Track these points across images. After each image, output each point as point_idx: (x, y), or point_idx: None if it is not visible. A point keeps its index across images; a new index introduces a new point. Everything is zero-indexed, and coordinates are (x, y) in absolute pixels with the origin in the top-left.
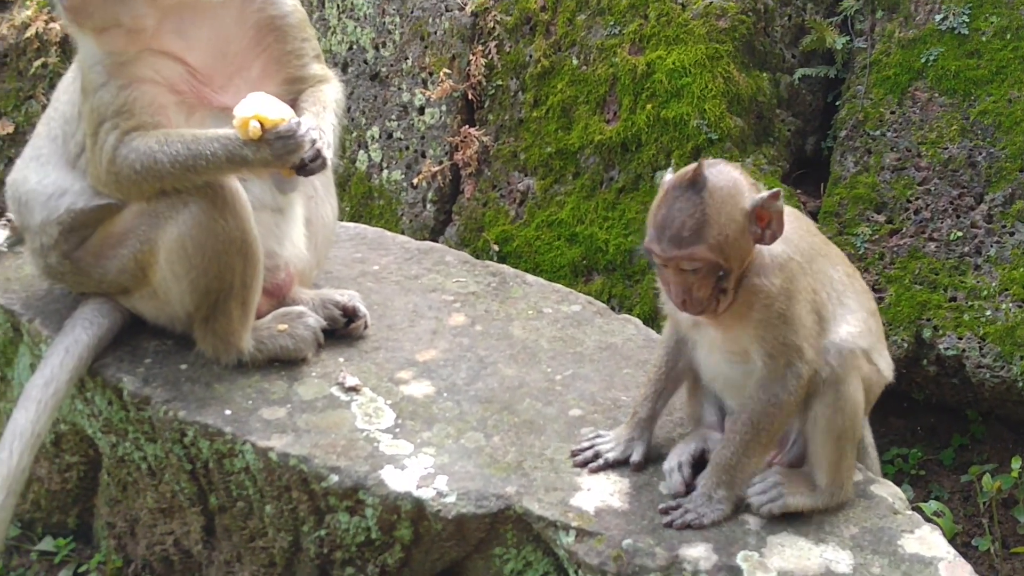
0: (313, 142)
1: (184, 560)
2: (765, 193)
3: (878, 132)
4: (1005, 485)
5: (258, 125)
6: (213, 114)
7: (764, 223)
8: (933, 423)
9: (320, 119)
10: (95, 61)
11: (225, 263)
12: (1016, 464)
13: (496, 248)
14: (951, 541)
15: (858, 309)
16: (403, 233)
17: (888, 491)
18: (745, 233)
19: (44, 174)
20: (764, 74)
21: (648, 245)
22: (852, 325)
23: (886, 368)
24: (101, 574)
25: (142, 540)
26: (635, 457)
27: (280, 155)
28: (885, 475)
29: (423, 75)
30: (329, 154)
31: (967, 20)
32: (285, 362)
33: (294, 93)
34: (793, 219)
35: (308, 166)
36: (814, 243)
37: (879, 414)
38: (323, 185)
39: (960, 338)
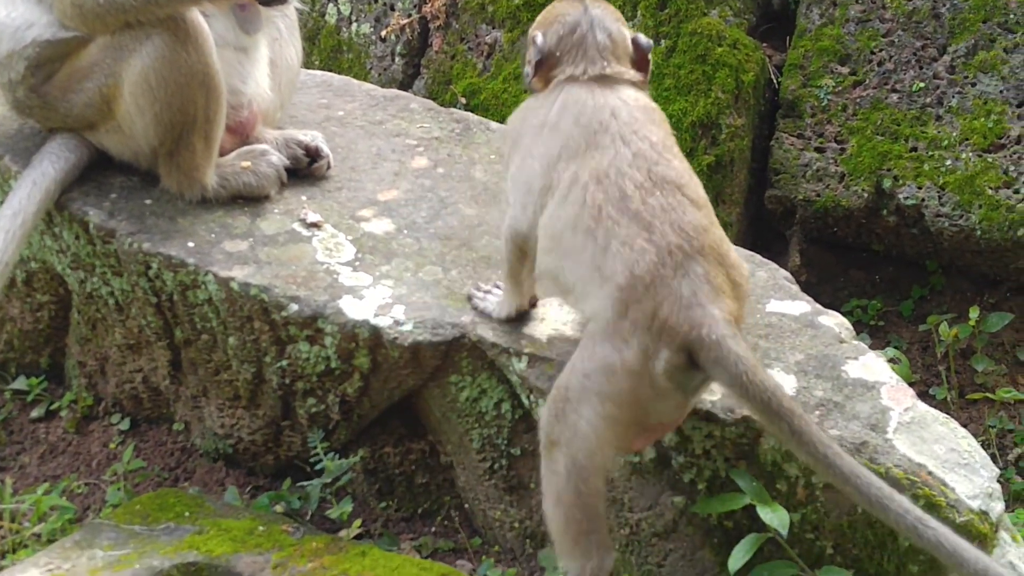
0: None
1: (153, 397)
2: (537, 30)
3: None
4: (962, 334)
5: None
6: None
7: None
8: (893, 274)
9: None
10: None
11: (188, 96)
12: (974, 314)
13: (463, 101)
14: None
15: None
16: None
17: (835, 321)
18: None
19: (12, 7)
20: None
21: None
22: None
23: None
24: (72, 412)
25: (112, 378)
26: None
27: None
28: None
29: None
30: None
31: None
32: (248, 199)
33: None
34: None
35: None
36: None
37: (840, 266)
38: (287, 28)
39: (920, 187)
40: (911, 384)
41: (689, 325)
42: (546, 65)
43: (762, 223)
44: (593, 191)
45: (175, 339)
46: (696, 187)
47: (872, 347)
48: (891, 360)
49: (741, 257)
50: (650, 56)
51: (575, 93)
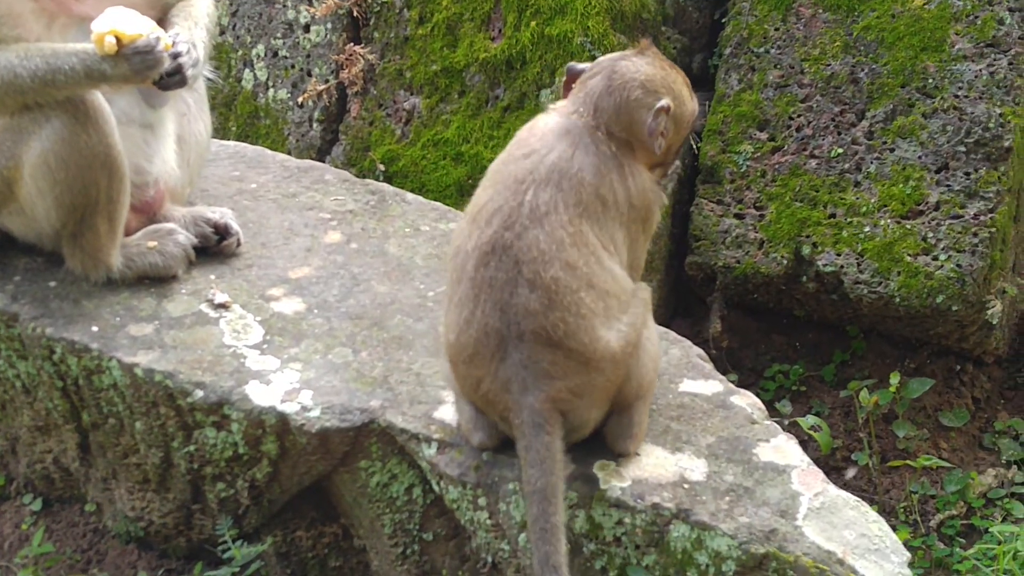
0: (175, 56)
1: (64, 477)
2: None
3: (762, 49)
4: (883, 400)
5: (114, 40)
6: (75, 23)
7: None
8: (814, 339)
9: (192, 33)
10: None
11: (89, 178)
12: (895, 379)
13: (382, 168)
14: (830, 456)
15: None
16: (289, 153)
17: (747, 401)
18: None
19: None
20: None
21: None
22: None
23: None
24: None
25: (23, 458)
26: None
27: (138, 70)
28: (765, 392)
29: None
30: (193, 72)
31: None
32: (155, 279)
33: (163, 7)
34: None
35: (165, 80)
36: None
37: (761, 332)
38: (196, 102)
39: (839, 254)
40: (832, 450)
41: (504, 406)
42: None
43: (683, 289)
44: (467, 231)
45: (83, 422)
46: (546, 266)
47: (794, 413)
48: (812, 428)
49: (636, 327)
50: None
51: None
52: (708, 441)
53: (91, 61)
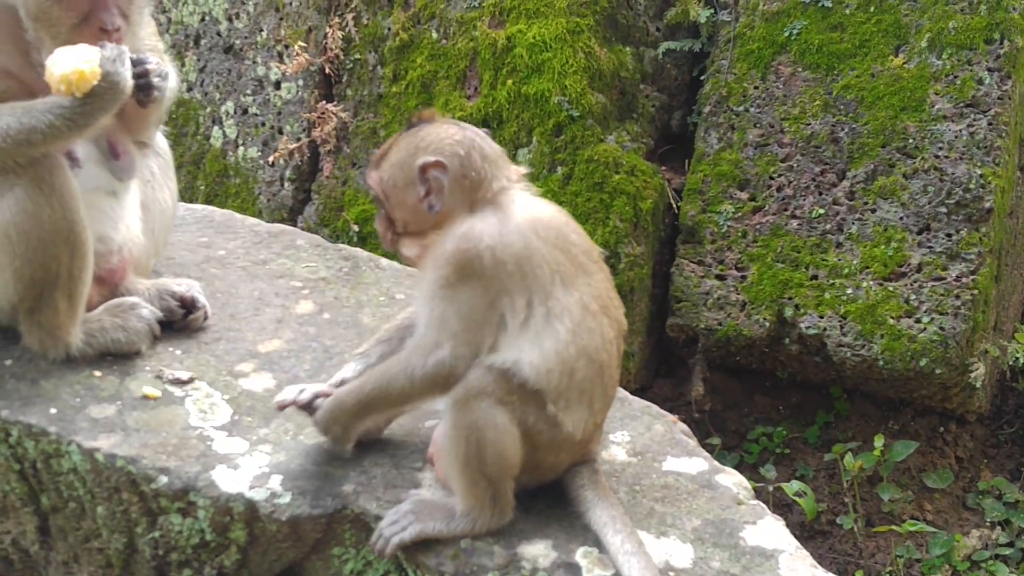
0: (139, 63)
1: (24, 559)
2: (431, 157)
3: (741, 108)
4: (867, 463)
5: (87, 68)
6: None
7: (428, 189)
8: (798, 401)
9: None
10: None
11: (51, 253)
12: (879, 442)
13: (356, 228)
14: (815, 520)
15: (566, 345)
16: (260, 213)
17: (733, 480)
18: (409, 186)
19: None
20: (627, 48)
21: None
22: (535, 356)
23: (572, 425)
24: None
25: None
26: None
27: (112, 84)
28: (749, 454)
29: (279, 48)
30: (159, 81)
31: None
32: (117, 356)
33: None
34: (546, 220)
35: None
36: (552, 255)
37: (745, 393)
38: (160, 168)
39: (821, 316)
40: (818, 514)
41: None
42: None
43: (665, 350)
44: None
45: (41, 505)
46: None
47: (778, 477)
48: (797, 493)
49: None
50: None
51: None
52: (694, 524)
53: (66, 108)
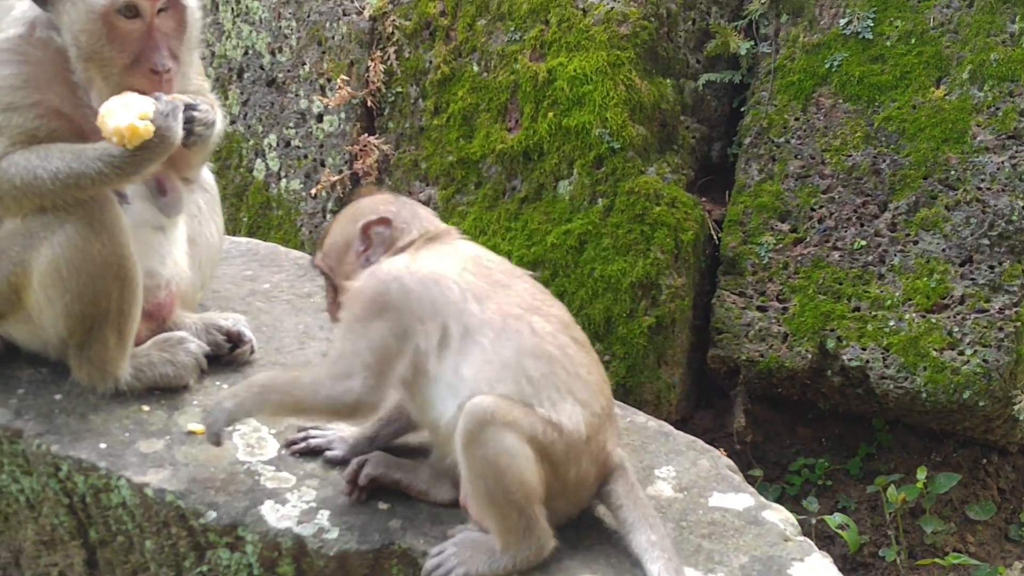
0: (190, 108)
1: None
2: (373, 216)
3: (782, 139)
4: (910, 496)
5: (148, 127)
6: None
7: (367, 245)
8: (839, 432)
9: (210, 100)
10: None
11: (101, 288)
12: (922, 474)
13: None
14: (857, 552)
15: (495, 351)
16: (303, 245)
17: (779, 516)
18: (351, 249)
19: None
20: (668, 80)
21: None
22: (470, 371)
23: (569, 421)
24: None
25: (27, 571)
26: (333, 453)
27: (165, 128)
28: (791, 486)
29: (321, 81)
30: (203, 131)
31: (871, 24)
32: (165, 390)
33: None
34: (460, 250)
35: (188, 128)
36: (462, 277)
37: (786, 425)
38: (207, 203)
39: (864, 348)
40: (860, 546)
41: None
42: None
43: (706, 381)
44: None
45: (90, 539)
46: None
47: (821, 509)
48: (839, 526)
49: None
50: None
51: None
52: (741, 561)
53: (115, 157)
